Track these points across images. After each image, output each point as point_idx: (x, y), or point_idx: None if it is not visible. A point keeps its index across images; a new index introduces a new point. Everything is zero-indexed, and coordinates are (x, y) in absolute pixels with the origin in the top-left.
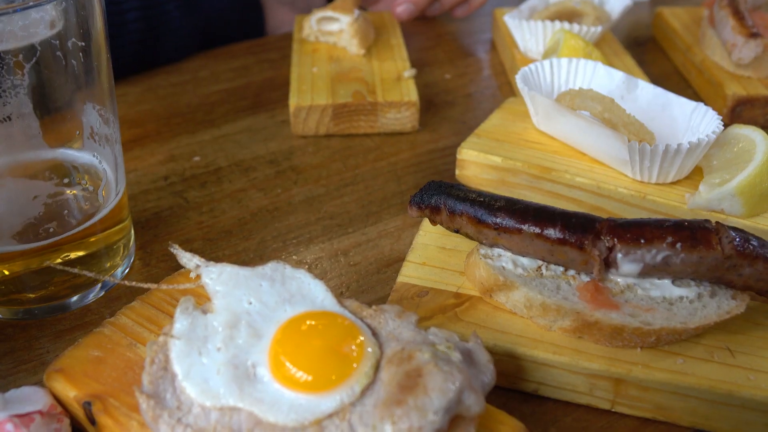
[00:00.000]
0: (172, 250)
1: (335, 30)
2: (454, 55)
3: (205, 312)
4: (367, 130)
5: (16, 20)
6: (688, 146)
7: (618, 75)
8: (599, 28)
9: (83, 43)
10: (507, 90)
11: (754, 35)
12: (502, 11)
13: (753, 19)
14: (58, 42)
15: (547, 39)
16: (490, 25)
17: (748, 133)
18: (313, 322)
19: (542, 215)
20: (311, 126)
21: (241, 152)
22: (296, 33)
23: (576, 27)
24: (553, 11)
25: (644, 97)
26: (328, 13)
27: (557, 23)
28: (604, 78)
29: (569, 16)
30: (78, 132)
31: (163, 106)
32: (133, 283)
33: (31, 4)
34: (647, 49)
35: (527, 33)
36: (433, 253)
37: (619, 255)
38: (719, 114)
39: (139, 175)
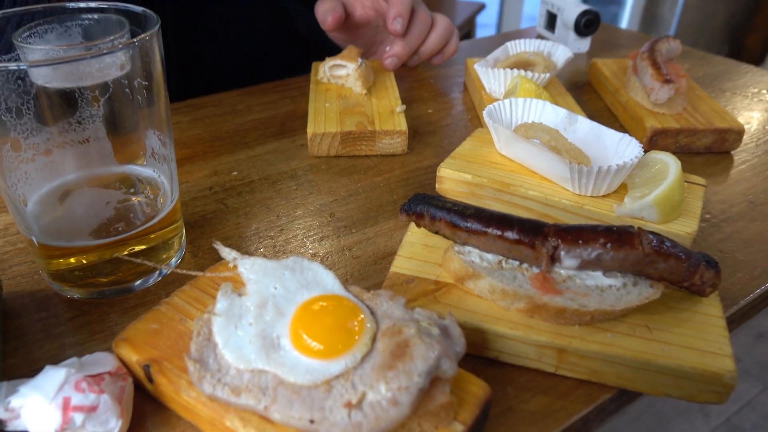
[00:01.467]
0: (215, 245)
1: (343, 74)
2: (435, 94)
3: (240, 295)
4: (367, 152)
5: (94, 63)
6: (616, 167)
7: (562, 111)
8: (547, 75)
9: (146, 83)
10: (476, 122)
11: (668, 81)
12: (473, 60)
13: (667, 68)
14: (126, 81)
15: (507, 83)
16: (463, 71)
17: (663, 157)
18: (324, 303)
19: (503, 221)
20: (324, 148)
21: (269, 169)
22: (313, 75)
23: (530, 74)
24: (512, 61)
25: (582, 129)
26: (337, 61)
27: (515, 71)
28: (551, 114)
29: (524, 65)
30: (142, 152)
31: (208, 132)
32: (184, 271)
33: (105, 51)
34: (584, 91)
35: (492, 78)
36: (417, 249)
37: (563, 252)
38: (640, 142)
39: (189, 186)
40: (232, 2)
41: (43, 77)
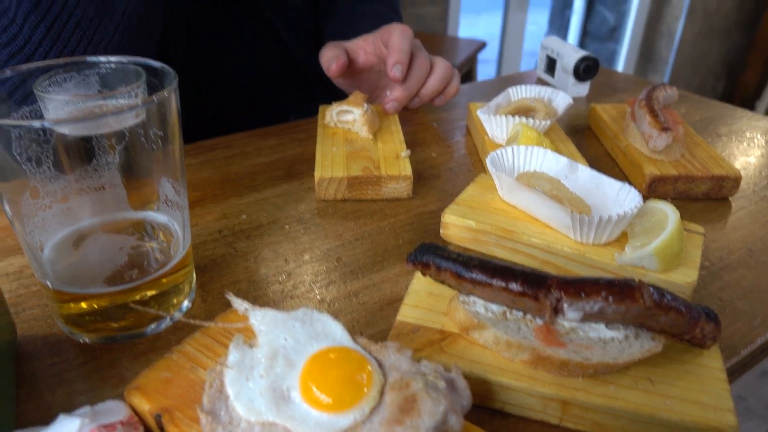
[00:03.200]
0: (227, 296)
1: (350, 119)
2: (439, 137)
3: (251, 347)
4: (373, 196)
5: (113, 116)
6: (617, 218)
7: (563, 160)
8: (548, 122)
9: (161, 133)
10: (479, 166)
11: (665, 129)
12: (475, 105)
13: (664, 116)
14: (142, 130)
15: (509, 129)
16: (465, 114)
17: (662, 206)
18: (333, 356)
19: (507, 273)
20: (331, 192)
21: (277, 212)
22: (320, 119)
23: (531, 121)
24: (514, 107)
25: (583, 177)
26: (344, 107)
27: (517, 118)
28: (552, 162)
29: (525, 110)
30: (155, 199)
31: (218, 174)
32: (195, 321)
33: (125, 109)
34: (584, 135)
35: (494, 124)
36: (423, 297)
37: (565, 305)
38: (639, 188)
39: (199, 229)
40: (241, 45)
41: (62, 128)
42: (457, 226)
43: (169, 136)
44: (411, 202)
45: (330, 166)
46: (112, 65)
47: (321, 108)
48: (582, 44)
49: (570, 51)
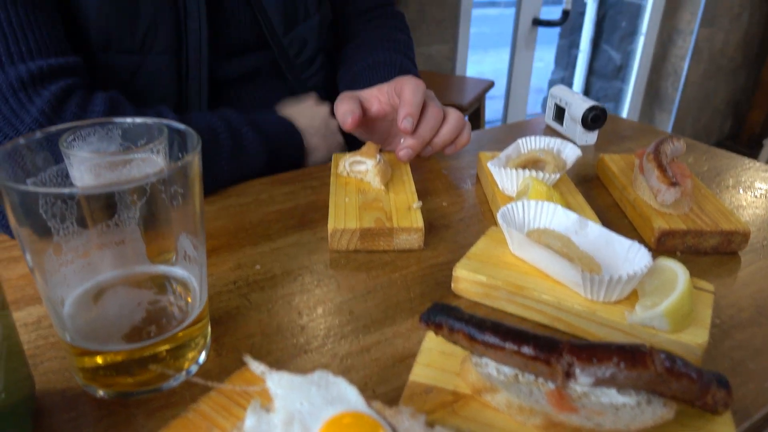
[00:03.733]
0: (244, 359)
1: (363, 170)
2: (449, 186)
3: (268, 411)
4: (385, 247)
5: (134, 169)
6: (627, 277)
7: (572, 216)
8: (557, 175)
9: (182, 190)
10: (489, 216)
11: (673, 184)
12: (485, 155)
13: (672, 169)
14: (163, 187)
15: (519, 182)
16: (475, 162)
17: (672, 265)
18: (348, 421)
19: (519, 337)
20: (344, 243)
21: (290, 263)
22: (333, 167)
23: (540, 174)
24: (524, 159)
25: (592, 234)
26: (357, 158)
27: (527, 171)
28: (562, 217)
29: (535, 162)
30: (174, 253)
31: (233, 223)
32: (210, 383)
33: (152, 175)
34: (593, 185)
35: (505, 177)
36: (435, 357)
37: (577, 370)
38: (648, 242)
39: (214, 279)
40: (260, 92)
41: (85, 182)
42: (468, 280)
43: (189, 194)
44: (422, 254)
45: (343, 217)
46: (136, 120)
47: (334, 156)
48: (588, 82)
49: (578, 101)
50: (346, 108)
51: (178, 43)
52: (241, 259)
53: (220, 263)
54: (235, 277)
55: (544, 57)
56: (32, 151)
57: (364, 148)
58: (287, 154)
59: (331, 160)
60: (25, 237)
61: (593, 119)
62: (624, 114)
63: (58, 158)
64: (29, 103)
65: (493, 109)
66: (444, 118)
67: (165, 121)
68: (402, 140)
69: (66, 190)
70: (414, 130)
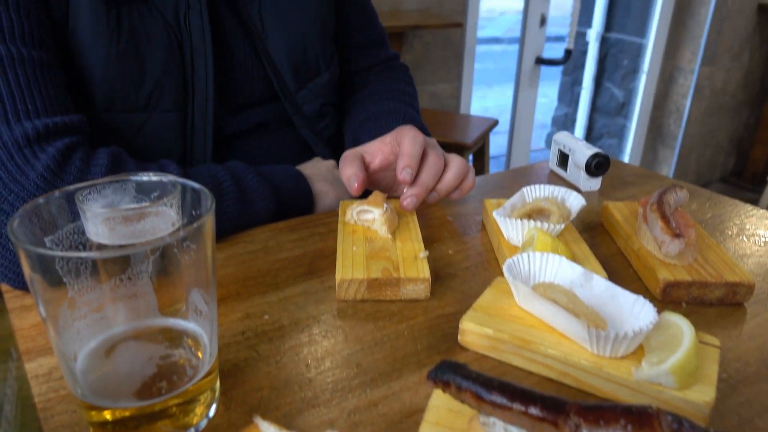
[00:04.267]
0: (254, 420)
1: (370, 218)
2: (455, 233)
3: None
4: (392, 297)
5: (148, 224)
6: (633, 333)
7: (578, 269)
8: (562, 225)
9: (195, 246)
10: (494, 265)
11: (677, 235)
12: (490, 202)
13: (675, 219)
14: (176, 242)
15: (524, 232)
16: (481, 209)
17: (677, 320)
18: None
19: (527, 397)
20: (351, 293)
21: (299, 312)
22: (340, 215)
23: (545, 225)
24: (529, 208)
25: (598, 287)
26: (364, 207)
27: (532, 222)
28: (567, 270)
29: (540, 211)
30: (185, 308)
31: (241, 271)
32: None
33: (167, 239)
34: (597, 233)
35: (510, 227)
36: (443, 414)
37: (585, 431)
38: (654, 292)
39: (223, 330)
40: (266, 142)
41: (101, 237)
42: (474, 333)
43: (202, 250)
44: (429, 304)
45: (350, 267)
46: (151, 174)
47: (341, 203)
48: (591, 119)
49: (582, 147)
50: (350, 172)
51: (183, 100)
52: (250, 309)
53: (229, 312)
54: (244, 327)
55: (547, 93)
56: (51, 210)
57: (371, 197)
58: (295, 200)
59: (339, 206)
60: (41, 293)
61: (596, 166)
62: (627, 150)
63: (75, 215)
64: (34, 159)
65: (497, 144)
66: (446, 165)
67: (180, 180)
68: (405, 189)
69: (84, 254)
70: (415, 179)
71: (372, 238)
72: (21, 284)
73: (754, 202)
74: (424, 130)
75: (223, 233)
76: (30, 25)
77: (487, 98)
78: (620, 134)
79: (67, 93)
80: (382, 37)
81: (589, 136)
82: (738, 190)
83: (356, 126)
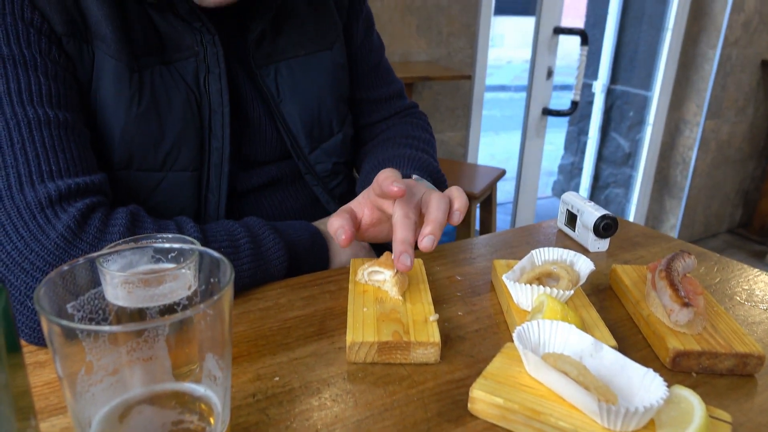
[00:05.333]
0: None
1: (380, 279)
2: (465, 293)
3: None
4: (402, 360)
5: (165, 288)
6: (643, 409)
7: (588, 339)
8: (571, 292)
9: (212, 312)
10: (504, 328)
11: (686, 305)
12: (499, 263)
13: (684, 286)
14: (192, 305)
15: (534, 298)
16: (489, 269)
17: (688, 395)
18: None
19: None
20: (361, 356)
21: (309, 374)
22: (351, 274)
23: (555, 291)
24: (538, 272)
25: (607, 358)
26: (375, 267)
27: (541, 288)
28: (578, 339)
29: (549, 275)
30: (198, 371)
31: (253, 329)
32: None
33: (189, 313)
34: (606, 296)
35: (520, 292)
36: None
37: None
38: (663, 361)
39: (234, 391)
40: (278, 198)
41: (120, 300)
42: (484, 402)
43: (220, 318)
44: (438, 368)
45: (361, 329)
46: (168, 235)
47: (352, 261)
48: (598, 168)
49: (590, 209)
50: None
51: (200, 160)
52: (261, 370)
53: (240, 374)
54: (255, 389)
55: (553, 140)
56: (75, 277)
57: (382, 258)
58: (311, 257)
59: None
60: (60, 355)
61: (604, 228)
62: (634, 200)
63: (97, 281)
64: (55, 219)
65: (504, 190)
66: (450, 199)
67: (199, 248)
68: (422, 228)
69: (105, 328)
70: (426, 218)
71: (382, 298)
72: (36, 340)
73: (762, 254)
74: (438, 174)
75: (238, 290)
76: (57, 88)
77: (494, 145)
78: (627, 184)
79: (90, 152)
80: (399, 90)
81: (596, 185)
82: (746, 242)
83: (365, 173)
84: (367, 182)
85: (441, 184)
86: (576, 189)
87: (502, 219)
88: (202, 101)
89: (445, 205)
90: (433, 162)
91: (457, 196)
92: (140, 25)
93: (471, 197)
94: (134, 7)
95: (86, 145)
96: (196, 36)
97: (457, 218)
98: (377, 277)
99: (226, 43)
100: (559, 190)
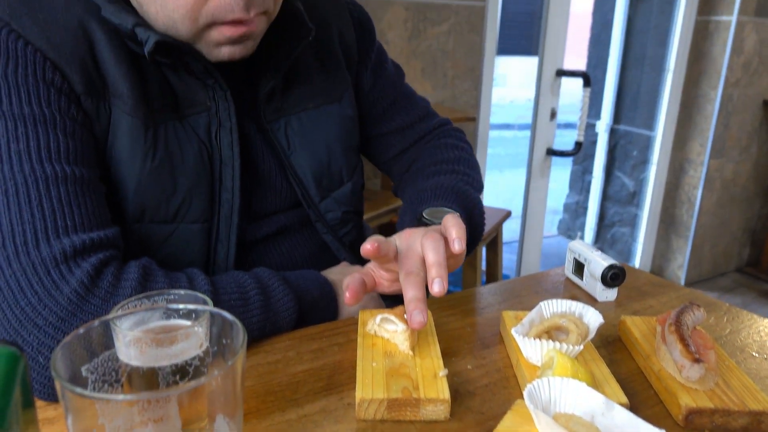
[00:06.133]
0: None
1: (391, 330)
2: (474, 346)
3: None
4: (411, 417)
5: (177, 348)
6: None
7: (599, 397)
8: (581, 347)
9: (223, 373)
10: (514, 383)
11: (697, 360)
12: (508, 315)
13: (694, 340)
14: (205, 369)
15: (543, 353)
16: (498, 320)
17: None
18: None
19: None
20: (371, 412)
21: None
22: (360, 327)
23: (564, 346)
24: (547, 325)
25: (619, 418)
26: (390, 317)
27: (551, 343)
28: (588, 397)
29: (558, 328)
30: (206, 422)
31: (261, 384)
32: None
33: (203, 380)
34: (616, 348)
35: (529, 346)
36: None
37: None
38: (676, 418)
39: None
40: (288, 248)
41: (132, 359)
42: None
43: (232, 382)
44: (449, 426)
45: (370, 385)
46: (181, 291)
47: (361, 312)
48: (603, 207)
49: (597, 258)
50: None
51: (210, 212)
52: (270, 428)
53: (250, 431)
54: None
55: (557, 178)
56: (90, 340)
57: (397, 309)
58: (320, 308)
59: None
60: (73, 419)
61: (612, 277)
62: (640, 239)
63: (111, 343)
64: (69, 275)
65: (509, 229)
66: (444, 233)
67: (212, 310)
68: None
69: (119, 397)
70: (427, 264)
71: (391, 352)
72: (47, 396)
73: None
74: (462, 194)
75: (247, 342)
76: (75, 144)
77: (498, 183)
78: (632, 223)
79: (104, 206)
80: (422, 113)
81: (601, 224)
82: (755, 281)
83: (399, 216)
84: (401, 225)
85: (466, 199)
86: (582, 228)
87: (507, 258)
88: (214, 154)
89: (438, 243)
90: (459, 183)
91: (451, 224)
92: (156, 83)
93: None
94: (150, 66)
95: (101, 200)
96: (208, 92)
97: (458, 246)
98: (389, 327)
99: (237, 98)
100: (564, 229)
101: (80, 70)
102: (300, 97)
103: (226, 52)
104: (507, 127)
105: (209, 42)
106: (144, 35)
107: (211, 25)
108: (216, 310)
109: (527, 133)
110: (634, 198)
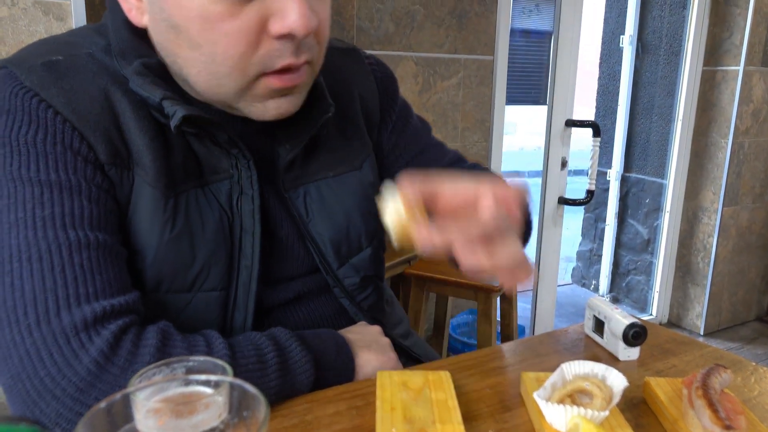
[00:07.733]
0: None
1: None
2: (494, 409)
3: None
4: None
5: (195, 419)
6: None
7: None
8: (606, 413)
9: None
10: None
11: (728, 427)
12: (528, 376)
13: (723, 404)
14: None
15: (568, 419)
16: (518, 381)
17: None
18: None
19: None
20: None
21: None
22: (378, 390)
23: (589, 413)
24: (570, 389)
25: None
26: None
27: (575, 408)
28: None
29: (581, 391)
30: None
31: None
32: None
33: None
34: (641, 412)
35: (552, 412)
36: None
37: None
38: None
39: None
40: (306, 310)
41: (150, 429)
42: None
43: None
44: None
45: None
46: (200, 358)
47: (379, 374)
48: (617, 254)
49: (617, 316)
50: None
51: (228, 279)
52: None
53: None
54: None
55: (569, 225)
56: (111, 414)
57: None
58: (337, 370)
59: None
60: None
61: (634, 336)
62: (656, 287)
63: (131, 416)
64: (89, 343)
65: None
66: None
67: (233, 381)
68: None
69: None
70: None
71: (411, 418)
72: None
73: None
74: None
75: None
76: (98, 211)
77: None
78: (648, 271)
79: (125, 272)
80: (457, 155)
81: (616, 272)
82: None
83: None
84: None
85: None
86: (596, 277)
87: (522, 307)
88: (234, 221)
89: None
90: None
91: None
92: (180, 152)
93: (491, 291)
94: (174, 136)
95: (122, 265)
96: (231, 160)
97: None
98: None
99: (259, 166)
100: (578, 277)
101: (105, 139)
102: (320, 167)
103: (272, 107)
104: (517, 174)
105: (256, 96)
106: (171, 109)
107: (260, 77)
108: (238, 381)
109: (538, 180)
110: (649, 246)
